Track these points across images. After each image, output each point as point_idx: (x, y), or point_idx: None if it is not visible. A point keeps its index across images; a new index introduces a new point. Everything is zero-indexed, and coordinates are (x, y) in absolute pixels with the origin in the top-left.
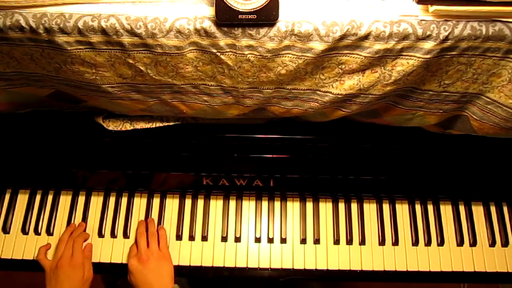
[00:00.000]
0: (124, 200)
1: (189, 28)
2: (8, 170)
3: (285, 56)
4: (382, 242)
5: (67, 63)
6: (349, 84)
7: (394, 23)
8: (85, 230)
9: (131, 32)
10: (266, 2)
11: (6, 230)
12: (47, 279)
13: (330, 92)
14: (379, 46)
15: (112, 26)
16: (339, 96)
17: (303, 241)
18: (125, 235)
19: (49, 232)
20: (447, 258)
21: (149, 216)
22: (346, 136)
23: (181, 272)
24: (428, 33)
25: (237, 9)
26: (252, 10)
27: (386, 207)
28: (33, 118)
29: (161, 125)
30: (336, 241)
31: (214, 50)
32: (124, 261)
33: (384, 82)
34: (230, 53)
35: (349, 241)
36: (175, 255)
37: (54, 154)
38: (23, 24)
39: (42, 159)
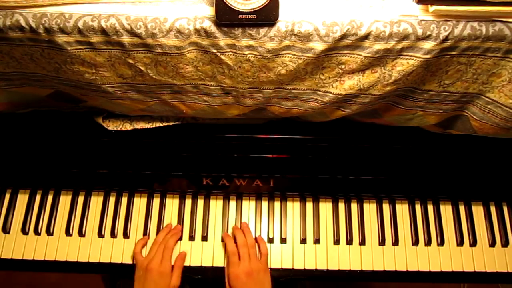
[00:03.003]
0: (124, 200)
1: (189, 28)
2: (8, 170)
3: (285, 56)
4: (382, 242)
5: (67, 63)
6: (349, 84)
7: (394, 23)
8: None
9: (131, 32)
10: (266, 2)
11: (6, 230)
12: (136, 275)
13: (330, 92)
14: (379, 46)
15: (112, 26)
16: (339, 96)
17: (303, 241)
18: (125, 235)
19: (49, 232)
20: (447, 258)
21: (149, 216)
22: (346, 136)
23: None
24: (428, 33)
25: (237, 9)
26: (252, 10)
27: (386, 207)
28: (33, 118)
29: (161, 125)
30: (336, 241)
31: (214, 50)
32: (125, 261)
33: (384, 82)
34: (230, 53)
35: (349, 241)
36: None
37: (54, 154)
38: (23, 24)
39: (42, 159)
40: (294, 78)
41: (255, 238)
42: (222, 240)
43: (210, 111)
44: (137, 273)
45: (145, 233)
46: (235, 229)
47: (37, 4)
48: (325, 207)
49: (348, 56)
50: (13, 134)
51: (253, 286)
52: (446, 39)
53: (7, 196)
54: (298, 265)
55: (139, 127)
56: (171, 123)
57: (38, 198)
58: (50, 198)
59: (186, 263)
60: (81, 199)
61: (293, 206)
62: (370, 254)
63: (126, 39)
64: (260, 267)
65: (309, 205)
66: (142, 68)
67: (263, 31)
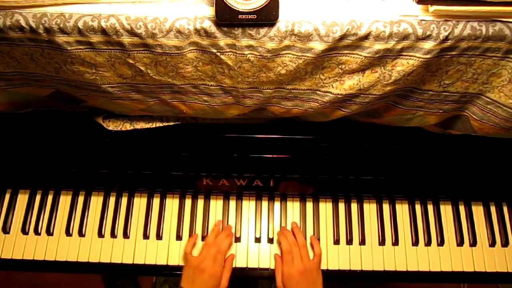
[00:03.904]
0: (124, 200)
1: (189, 28)
2: (8, 170)
3: (285, 56)
4: (382, 242)
5: (67, 63)
6: (349, 84)
7: (394, 23)
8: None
9: (131, 32)
10: (266, 2)
11: (6, 230)
12: (185, 274)
13: (330, 92)
14: (379, 46)
15: (112, 26)
16: (339, 96)
17: None
18: (125, 235)
19: (49, 232)
20: (447, 258)
21: (149, 216)
22: (346, 136)
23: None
24: (428, 33)
25: (237, 9)
26: (252, 10)
27: (386, 207)
28: (33, 118)
29: (161, 125)
30: (336, 241)
31: (214, 50)
32: (125, 261)
33: (384, 82)
34: (230, 53)
35: (349, 241)
36: (175, 255)
37: (54, 154)
38: (23, 24)
39: (42, 159)
40: (294, 78)
41: (310, 238)
42: None
43: (210, 111)
44: (186, 272)
45: (145, 233)
46: (285, 229)
47: (37, 4)
48: (325, 207)
49: (348, 56)
50: (13, 134)
51: (306, 285)
52: (446, 39)
53: (7, 196)
54: None
55: (139, 127)
56: (171, 123)
57: (38, 198)
58: (50, 198)
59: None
60: (81, 199)
61: (293, 206)
62: (370, 254)
63: (126, 39)
64: (313, 267)
65: (309, 205)
66: (142, 68)
67: (263, 31)
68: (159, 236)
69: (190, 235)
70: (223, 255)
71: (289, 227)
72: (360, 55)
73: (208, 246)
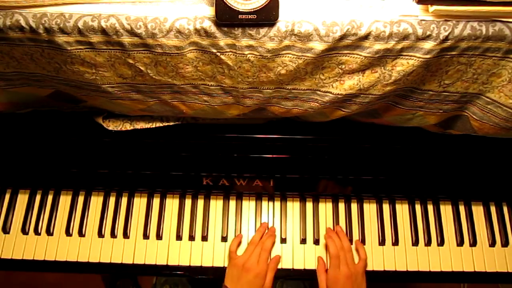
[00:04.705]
0: (124, 200)
1: (189, 28)
2: (8, 170)
3: (285, 56)
4: (382, 242)
5: (67, 63)
6: (349, 84)
7: (394, 23)
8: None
9: (131, 32)
10: (266, 2)
11: (6, 230)
12: (229, 273)
13: (330, 92)
14: (379, 46)
15: (112, 26)
16: (339, 96)
17: (303, 241)
18: (125, 235)
19: (49, 232)
20: (447, 258)
21: (149, 216)
22: (346, 136)
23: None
24: (428, 33)
25: (237, 9)
26: (252, 10)
27: (386, 207)
28: (33, 118)
29: (161, 125)
30: None
31: (214, 50)
32: (125, 261)
33: (384, 82)
34: (230, 53)
35: (349, 241)
36: (175, 255)
37: (54, 154)
38: (23, 24)
39: (42, 159)
40: (294, 78)
41: (355, 242)
42: (222, 240)
43: (210, 111)
44: (230, 271)
45: (145, 233)
46: (330, 232)
47: (37, 4)
48: (325, 207)
49: (348, 56)
50: (13, 134)
51: None
52: (446, 39)
53: (7, 196)
54: (298, 265)
55: (139, 127)
56: (171, 123)
57: (38, 198)
58: (50, 198)
59: (186, 263)
60: (81, 199)
61: (293, 206)
62: (370, 254)
63: (126, 39)
64: (358, 271)
65: (309, 205)
66: (142, 68)
67: (263, 31)
68: (159, 236)
69: (190, 235)
70: (268, 253)
71: (289, 227)
72: (360, 55)
73: (253, 244)
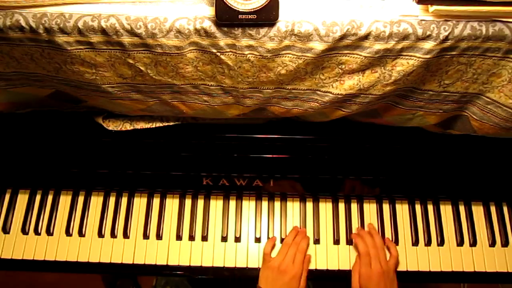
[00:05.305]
0: (124, 200)
1: (189, 28)
2: (8, 170)
3: (285, 56)
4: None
5: (67, 63)
6: (349, 84)
7: (394, 23)
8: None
9: (131, 32)
10: (266, 2)
11: (6, 230)
12: (263, 275)
13: (330, 92)
14: (379, 46)
15: (112, 26)
16: (339, 96)
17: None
18: (125, 235)
19: (49, 232)
20: (447, 258)
21: (149, 216)
22: (346, 136)
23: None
24: (428, 33)
25: (237, 9)
26: (252, 10)
27: (386, 207)
28: (33, 118)
29: (161, 125)
30: (336, 241)
31: (214, 50)
32: (125, 261)
33: (384, 82)
34: (230, 53)
35: (349, 241)
36: (175, 255)
37: (54, 154)
38: (23, 24)
39: (42, 159)
40: (294, 78)
41: (385, 240)
42: (222, 240)
43: (210, 111)
44: (265, 273)
45: (145, 233)
46: (361, 230)
47: (37, 4)
48: (325, 207)
49: (348, 56)
50: (13, 134)
51: (384, 287)
52: (446, 39)
53: (7, 196)
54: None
55: (139, 127)
56: (171, 123)
57: (38, 198)
58: (50, 198)
59: (186, 263)
60: (81, 199)
61: (293, 206)
62: None
63: (126, 39)
64: (390, 269)
65: (309, 205)
66: (142, 68)
67: (263, 31)
68: (159, 236)
69: (190, 235)
70: (303, 255)
71: (289, 227)
72: (360, 55)
73: (287, 246)
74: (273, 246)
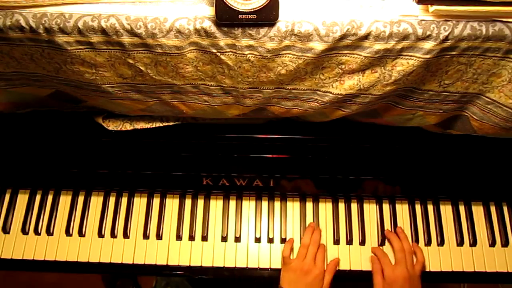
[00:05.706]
0: (124, 200)
1: (189, 28)
2: (8, 170)
3: (285, 56)
4: (382, 242)
5: (67, 63)
6: (349, 84)
7: (394, 23)
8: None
9: (131, 32)
10: (266, 2)
11: (6, 230)
12: (285, 277)
13: (330, 92)
14: (379, 46)
15: (112, 26)
16: (339, 96)
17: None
18: (125, 235)
19: (49, 232)
20: (447, 258)
21: (149, 216)
22: (346, 136)
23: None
24: (428, 33)
25: (237, 9)
26: (252, 10)
27: (386, 207)
28: (33, 118)
29: (161, 125)
30: (336, 241)
31: (214, 50)
32: (125, 261)
33: (384, 82)
34: (230, 53)
35: (349, 241)
36: (175, 255)
37: (54, 154)
38: (23, 24)
39: (42, 159)
40: (294, 78)
41: (412, 245)
42: (222, 240)
43: (210, 111)
44: (287, 275)
45: (145, 233)
46: (390, 233)
47: (37, 4)
48: (325, 207)
49: (348, 56)
50: (13, 134)
51: None
52: (446, 39)
53: (7, 196)
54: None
55: (139, 127)
56: (171, 123)
57: (38, 198)
58: (50, 198)
59: (186, 263)
60: (81, 199)
61: (293, 206)
62: (370, 254)
63: (126, 39)
64: (416, 274)
65: (309, 205)
66: (142, 68)
67: (263, 31)
68: (159, 236)
69: (190, 235)
70: (324, 253)
71: (289, 227)
72: (360, 55)
73: (305, 246)
74: (292, 249)
